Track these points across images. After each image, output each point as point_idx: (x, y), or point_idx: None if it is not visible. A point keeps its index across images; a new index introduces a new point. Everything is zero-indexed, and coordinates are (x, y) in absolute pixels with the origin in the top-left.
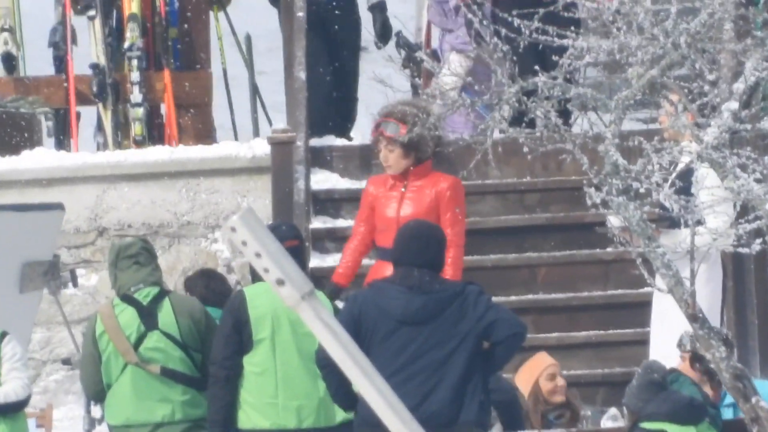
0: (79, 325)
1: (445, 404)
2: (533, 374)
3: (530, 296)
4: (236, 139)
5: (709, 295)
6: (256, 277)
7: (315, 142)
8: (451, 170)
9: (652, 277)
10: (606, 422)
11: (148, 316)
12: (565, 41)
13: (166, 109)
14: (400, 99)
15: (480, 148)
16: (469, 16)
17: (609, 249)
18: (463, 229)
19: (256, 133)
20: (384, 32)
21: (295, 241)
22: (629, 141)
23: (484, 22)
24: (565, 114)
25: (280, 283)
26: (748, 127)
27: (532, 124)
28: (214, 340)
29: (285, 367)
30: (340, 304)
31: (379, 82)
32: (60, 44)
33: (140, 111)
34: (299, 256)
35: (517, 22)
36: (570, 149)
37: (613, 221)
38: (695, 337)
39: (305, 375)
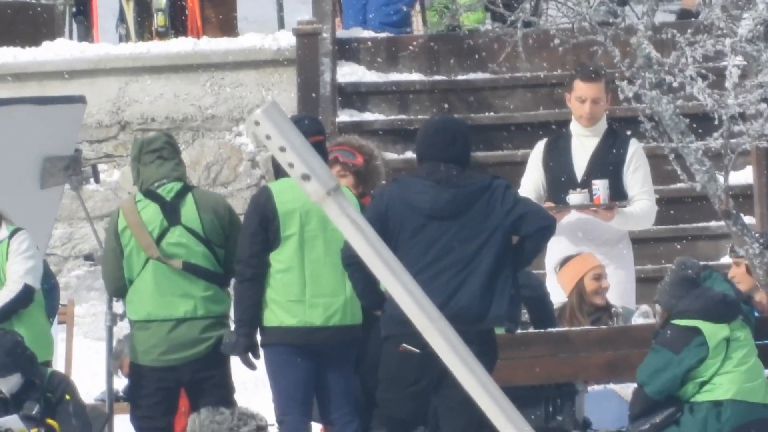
0: (101, 220)
1: (474, 299)
2: (579, 272)
3: None
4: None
5: (624, 277)
6: (279, 172)
7: (341, 33)
8: (481, 63)
9: (685, 172)
10: (637, 319)
11: (170, 211)
12: None
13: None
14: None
15: (510, 40)
16: None
17: (642, 144)
18: None
19: (281, 24)
20: None
21: (320, 136)
22: (662, 33)
23: None
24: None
25: (306, 178)
26: None
27: None
28: (239, 239)
29: (312, 264)
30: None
31: None
32: None
33: (163, 1)
34: (323, 152)
35: None
36: (602, 42)
37: (572, 199)
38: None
39: (332, 272)
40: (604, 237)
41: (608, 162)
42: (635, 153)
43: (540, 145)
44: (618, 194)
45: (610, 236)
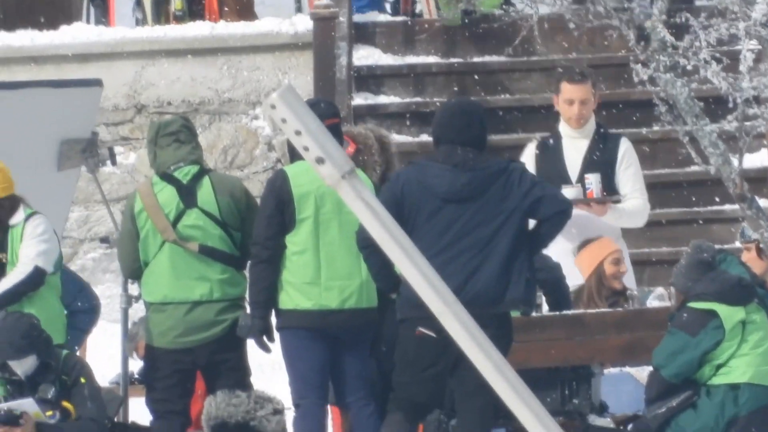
0: (117, 203)
1: (491, 282)
2: (598, 256)
3: None
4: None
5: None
6: (294, 155)
7: (358, 17)
8: (497, 46)
9: (699, 156)
10: (652, 302)
11: (187, 194)
12: None
13: None
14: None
15: (526, 24)
16: None
17: (656, 128)
18: None
19: (299, 8)
20: None
21: (335, 119)
22: (676, 17)
23: None
24: None
25: (320, 161)
26: None
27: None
28: (255, 221)
29: (328, 247)
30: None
31: None
32: None
33: None
34: (339, 135)
35: None
36: (617, 25)
37: (566, 194)
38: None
39: (348, 255)
40: (598, 234)
41: (600, 161)
42: (626, 152)
43: (531, 147)
44: (610, 193)
45: (603, 233)
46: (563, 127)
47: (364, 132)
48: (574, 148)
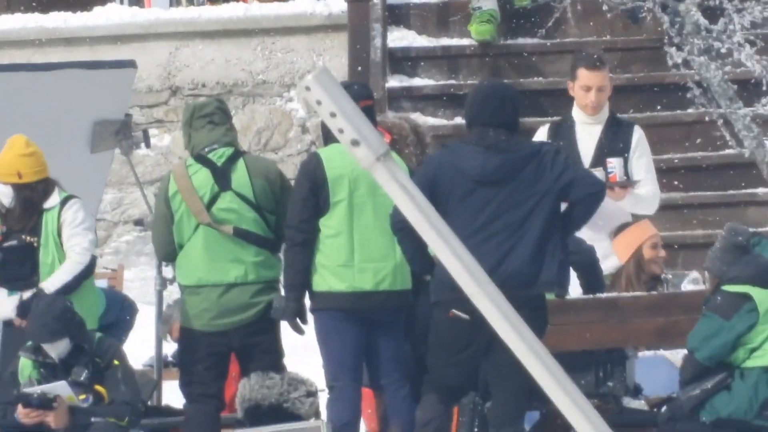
0: (151, 185)
1: (524, 264)
2: (637, 240)
3: None
4: None
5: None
6: (329, 138)
7: None
8: (529, 29)
9: (733, 138)
10: (687, 285)
11: (221, 176)
12: None
13: None
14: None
15: (559, 6)
16: None
17: (690, 110)
18: None
19: None
20: None
21: (369, 101)
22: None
23: None
24: None
25: (355, 143)
26: None
27: None
28: (289, 204)
29: (362, 230)
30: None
31: None
32: None
33: None
34: (373, 117)
35: None
36: (650, 7)
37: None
38: None
39: (381, 237)
40: (615, 223)
41: (613, 148)
42: (639, 139)
43: (542, 132)
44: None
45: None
46: (577, 113)
47: (399, 122)
48: (588, 134)
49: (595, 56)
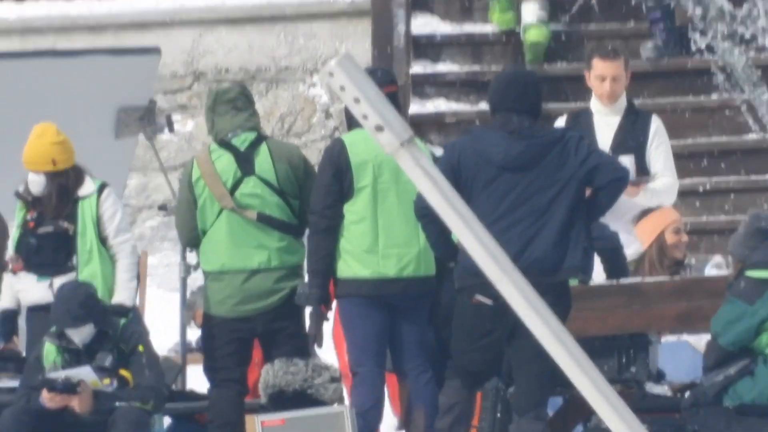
0: (175, 171)
1: (548, 250)
2: (659, 225)
3: None
4: None
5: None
6: (352, 124)
7: None
8: (553, 14)
9: (757, 123)
10: (710, 270)
11: (245, 161)
12: None
13: None
14: None
15: None
16: None
17: (713, 96)
18: None
19: None
20: None
21: (393, 87)
22: None
23: None
24: None
25: (380, 129)
26: None
27: None
28: (313, 190)
29: (385, 215)
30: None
31: None
32: None
33: None
34: (397, 103)
35: None
36: None
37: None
38: None
39: (405, 223)
40: (630, 215)
41: (631, 138)
42: (657, 130)
43: (561, 122)
44: (641, 170)
45: (633, 214)
46: (594, 104)
47: None
48: (606, 124)
49: (610, 47)
